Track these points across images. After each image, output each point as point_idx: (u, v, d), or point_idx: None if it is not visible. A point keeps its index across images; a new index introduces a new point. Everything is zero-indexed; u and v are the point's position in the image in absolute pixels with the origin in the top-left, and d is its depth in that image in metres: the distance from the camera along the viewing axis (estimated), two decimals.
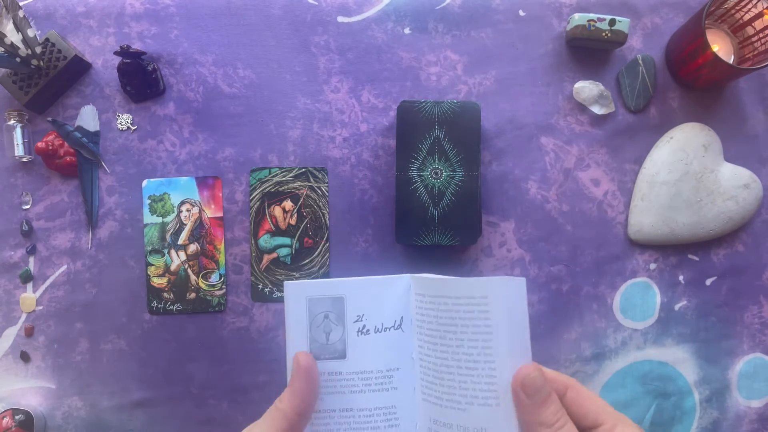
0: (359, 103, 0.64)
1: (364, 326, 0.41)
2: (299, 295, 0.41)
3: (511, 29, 0.65)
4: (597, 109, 0.64)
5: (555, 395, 0.36)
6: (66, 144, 0.62)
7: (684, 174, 0.63)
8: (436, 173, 0.58)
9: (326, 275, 0.64)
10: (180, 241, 0.64)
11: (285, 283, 0.42)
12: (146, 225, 0.64)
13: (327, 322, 0.41)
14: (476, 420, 0.37)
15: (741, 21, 0.62)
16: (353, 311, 0.41)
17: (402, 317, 0.41)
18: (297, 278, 0.64)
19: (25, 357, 0.63)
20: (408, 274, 0.42)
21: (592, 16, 0.61)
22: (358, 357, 0.41)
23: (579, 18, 0.61)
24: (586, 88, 0.64)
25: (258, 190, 0.64)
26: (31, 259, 0.63)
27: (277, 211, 0.64)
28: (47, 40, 0.62)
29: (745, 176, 0.63)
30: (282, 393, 0.39)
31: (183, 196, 0.64)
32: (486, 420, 0.37)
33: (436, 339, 0.39)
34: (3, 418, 0.59)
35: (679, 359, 0.65)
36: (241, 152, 0.64)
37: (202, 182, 0.64)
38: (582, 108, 0.65)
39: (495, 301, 0.36)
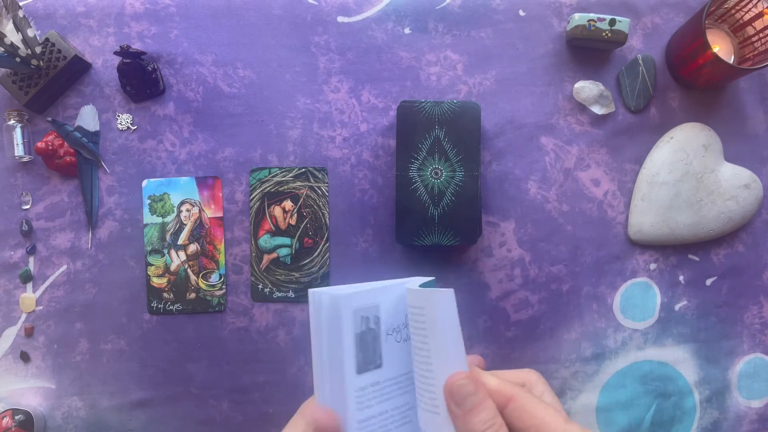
0: (359, 103, 0.64)
1: (393, 331, 0.41)
2: (345, 307, 0.39)
3: (511, 29, 0.65)
4: (597, 109, 0.64)
5: (489, 403, 0.35)
6: (66, 144, 0.62)
7: (684, 174, 0.62)
8: (436, 173, 0.58)
9: (326, 275, 0.64)
10: (180, 241, 0.63)
11: (325, 295, 0.39)
12: (146, 225, 0.63)
13: (368, 333, 0.40)
14: (426, 426, 0.38)
15: (741, 21, 0.62)
16: (386, 318, 0.40)
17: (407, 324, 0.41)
18: (297, 278, 0.64)
19: (25, 357, 0.63)
20: (422, 277, 0.41)
21: (592, 16, 0.61)
22: (392, 364, 0.40)
23: (579, 18, 0.61)
24: (586, 88, 0.64)
25: (258, 190, 0.64)
26: (31, 259, 0.63)
27: (277, 211, 0.64)
28: (47, 40, 0.61)
29: (746, 176, 0.63)
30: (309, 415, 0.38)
31: (183, 196, 0.64)
32: (431, 426, 0.38)
33: (413, 344, 0.39)
34: (3, 418, 0.59)
35: (680, 359, 0.65)
36: (241, 152, 0.64)
37: (202, 182, 0.64)
38: (582, 108, 0.65)
39: (429, 312, 0.37)
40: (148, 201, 0.64)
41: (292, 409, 0.66)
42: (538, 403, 0.35)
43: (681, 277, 0.65)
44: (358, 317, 0.39)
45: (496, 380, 0.36)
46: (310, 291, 0.39)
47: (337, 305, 0.38)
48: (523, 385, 0.38)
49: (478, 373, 0.36)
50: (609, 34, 0.61)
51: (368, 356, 0.40)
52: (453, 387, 0.35)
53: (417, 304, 0.38)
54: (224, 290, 0.64)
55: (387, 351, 0.40)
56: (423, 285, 0.40)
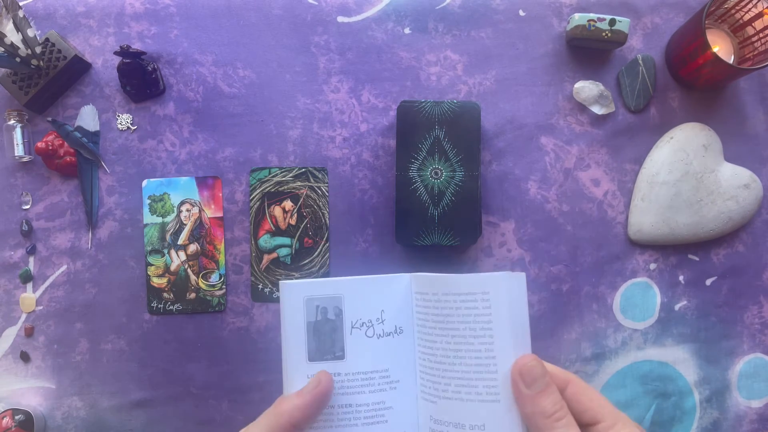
0: (359, 103, 0.64)
1: (362, 326, 0.41)
2: (297, 295, 0.40)
3: (511, 29, 0.65)
4: (597, 109, 0.64)
5: (555, 386, 0.36)
6: (66, 144, 0.62)
7: (684, 174, 0.63)
8: (436, 173, 0.58)
9: (326, 275, 0.64)
10: (180, 241, 0.63)
11: (281, 283, 0.41)
12: (146, 225, 0.63)
13: (325, 323, 0.40)
14: (477, 415, 0.37)
15: (741, 21, 0.62)
16: (351, 311, 0.41)
17: (400, 317, 0.41)
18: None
19: (25, 357, 0.63)
20: (407, 273, 0.41)
21: (592, 16, 0.61)
22: (357, 358, 0.40)
23: (579, 18, 0.61)
24: (586, 88, 0.64)
25: (258, 190, 0.64)
26: (31, 259, 0.63)
27: (277, 211, 0.64)
28: (47, 40, 0.61)
29: (746, 176, 0.63)
30: (282, 398, 0.39)
31: (183, 196, 0.64)
32: (486, 415, 0.37)
33: (436, 336, 0.39)
34: (3, 418, 0.59)
35: (680, 359, 0.65)
36: (241, 152, 0.64)
37: (202, 182, 0.64)
38: (582, 108, 0.65)
39: (496, 296, 0.37)
40: (148, 201, 0.64)
41: None
42: (593, 389, 0.37)
43: (681, 277, 0.65)
44: (312, 306, 0.40)
45: (552, 365, 0.38)
46: (281, 282, 0.41)
47: (287, 292, 0.40)
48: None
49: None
50: (609, 34, 0.61)
51: (324, 346, 0.40)
52: (524, 368, 0.36)
53: (476, 289, 0.37)
54: (224, 290, 0.64)
55: (352, 344, 0.40)
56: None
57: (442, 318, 0.39)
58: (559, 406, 0.35)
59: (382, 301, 0.41)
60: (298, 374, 0.40)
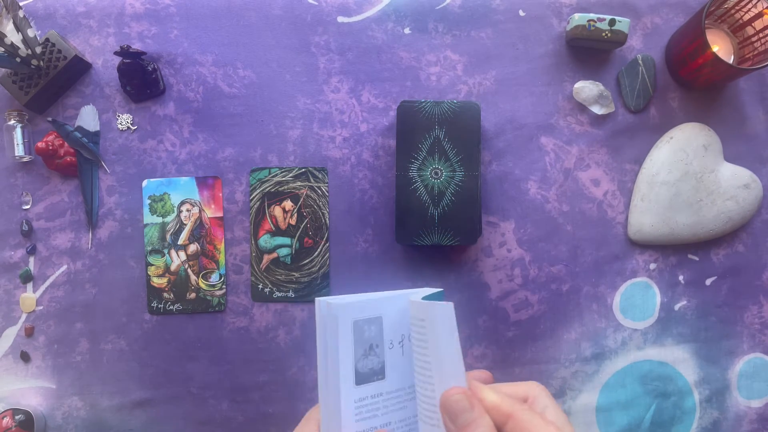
0: (359, 103, 0.64)
1: (399, 342, 0.40)
2: (347, 318, 0.38)
3: (511, 29, 0.65)
4: (597, 109, 0.64)
5: (485, 420, 0.33)
6: (66, 144, 0.62)
7: (684, 174, 0.63)
8: (436, 173, 0.58)
9: (326, 275, 0.64)
10: (180, 241, 0.64)
11: (324, 302, 0.37)
12: (146, 225, 0.64)
13: (372, 345, 0.39)
14: None
15: (741, 21, 0.62)
16: (389, 329, 0.40)
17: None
18: (297, 278, 0.64)
19: (25, 357, 0.63)
20: (423, 290, 0.40)
21: (592, 16, 0.61)
22: (395, 375, 0.40)
23: (579, 18, 0.61)
24: (586, 88, 0.64)
25: (258, 190, 0.64)
26: (31, 259, 0.63)
27: (277, 211, 0.64)
28: (47, 40, 0.62)
29: (745, 176, 0.63)
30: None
31: (183, 196, 0.64)
32: None
33: (415, 355, 0.39)
34: (3, 418, 0.59)
35: (679, 359, 0.65)
36: (241, 152, 0.64)
37: (202, 182, 0.64)
38: (582, 108, 0.65)
39: (429, 324, 0.37)
40: (149, 201, 0.64)
41: (292, 409, 0.67)
42: (539, 421, 0.34)
43: (681, 277, 0.65)
44: (359, 328, 0.38)
45: (495, 396, 0.35)
46: (317, 299, 0.38)
47: (335, 315, 0.38)
48: (525, 400, 0.37)
49: (476, 388, 0.35)
50: (609, 34, 0.61)
51: (370, 368, 0.39)
52: (447, 402, 0.34)
53: (418, 315, 0.37)
54: (224, 290, 0.64)
55: (391, 362, 0.40)
56: (429, 296, 0.39)
57: (414, 337, 0.39)
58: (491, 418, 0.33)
59: (405, 316, 0.40)
60: (347, 401, 0.38)
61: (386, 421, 0.40)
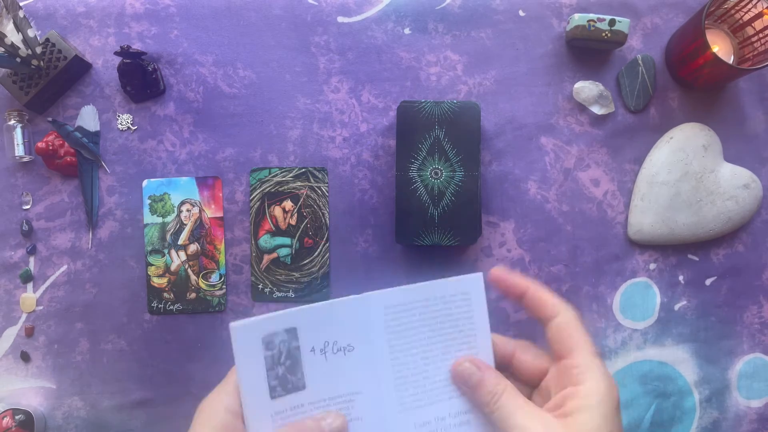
0: (359, 103, 0.64)
1: (321, 351, 0.40)
2: (253, 336, 0.39)
3: (511, 29, 0.65)
4: (597, 110, 0.64)
5: (489, 374, 0.40)
6: (66, 144, 0.62)
7: (684, 174, 0.63)
8: (436, 173, 0.58)
9: (326, 275, 0.64)
10: (180, 241, 0.64)
11: (232, 325, 0.38)
12: (146, 225, 0.64)
13: (284, 358, 0.39)
14: (463, 407, 0.41)
15: (741, 21, 0.62)
16: (308, 339, 0.40)
17: (360, 338, 0.40)
18: (297, 278, 0.64)
19: (25, 357, 0.63)
20: (363, 294, 0.41)
21: (592, 16, 0.61)
22: (318, 385, 0.40)
23: (579, 18, 0.61)
24: (586, 88, 0.64)
25: (258, 190, 0.64)
26: (32, 259, 0.63)
27: (277, 211, 0.64)
28: (47, 40, 0.62)
29: (745, 176, 0.63)
30: None
31: (183, 196, 0.64)
32: (471, 405, 0.41)
33: (416, 343, 0.41)
34: (3, 418, 0.59)
35: (679, 359, 0.65)
36: (241, 152, 0.64)
37: (202, 182, 0.64)
38: (582, 108, 0.65)
39: (476, 296, 0.42)
40: (149, 201, 0.64)
41: None
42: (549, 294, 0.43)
43: (681, 277, 0.65)
44: (269, 342, 0.39)
45: (511, 275, 0.43)
46: (232, 325, 0.39)
47: (242, 335, 0.39)
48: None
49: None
50: (609, 35, 0.61)
51: (284, 380, 0.39)
52: (455, 371, 0.41)
53: (458, 291, 0.41)
54: (224, 290, 0.64)
55: (312, 372, 0.40)
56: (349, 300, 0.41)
57: (424, 324, 0.41)
58: (495, 390, 0.39)
59: (338, 326, 0.40)
60: (262, 416, 0.39)
61: None
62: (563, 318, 0.41)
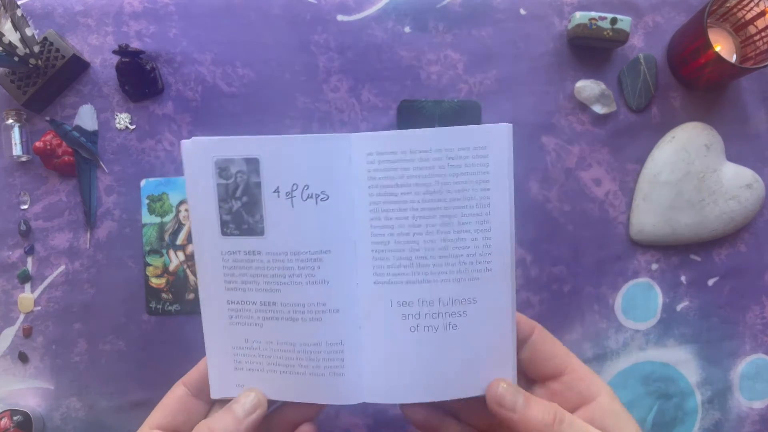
0: (359, 102, 0.64)
1: (287, 195, 0.33)
2: (204, 155, 0.33)
3: (512, 28, 0.65)
4: (598, 109, 0.64)
5: (535, 403, 0.34)
6: (64, 143, 0.62)
7: (686, 174, 0.62)
8: None
9: None
10: (179, 242, 0.63)
11: (182, 142, 0.33)
12: (144, 225, 0.63)
13: (239, 189, 0.33)
14: (466, 290, 0.34)
15: (743, 20, 0.62)
16: (271, 177, 0.33)
17: (337, 187, 0.33)
18: None
19: (23, 357, 0.63)
20: (350, 134, 0.34)
21: (593, 14, 0.61)
22: (280, 235, 0.33)
23: (580, 17, 0.61)
24: (587, 88, 0.63)
25: None
26: (29, 260, 0.63)
27: None
28: (45, 39, 0.61)
29: (748, 176, 0.63)
30: (214, 421, 0.36)
31: (182, 196, 0.63)
32: (478, 288, 0.34)
33: (405, 205, 0.33)
34: (1, 419, 0.59)
35: (681, 360, 0.65)
36: None
37: None
38: (583, 107, 0.64)
39: (497, 153, 0.32)
40: (147, 201, 0.63)
41: None
42: (555, 339, 0.39)
43: (683, 278, 0.65)
44: (223, 169, 0.33)
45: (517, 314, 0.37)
46: (182, 141, 0.34)
47: (193, 151, 0.33)
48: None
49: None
50: (610, 33, 0.61)
51: (239, 217, 0.33)
52: (498, 397, 0.34)
53: (475, 143, 0.32)
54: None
55: (274, 217, 0.33)
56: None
57: (417, 180, 0.33)
58: (552, 408, 0.33)
59: (311, 167, 0.33)
60: (211, 250, 0.34)
61: (267, 299, 0.35)
62: (539, 334, 0.38)
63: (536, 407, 0.33)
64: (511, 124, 0.33)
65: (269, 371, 0.36)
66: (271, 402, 0.38)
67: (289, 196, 0.33)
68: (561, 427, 0.32)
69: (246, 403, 0.36)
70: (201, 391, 0.40)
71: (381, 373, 0.35)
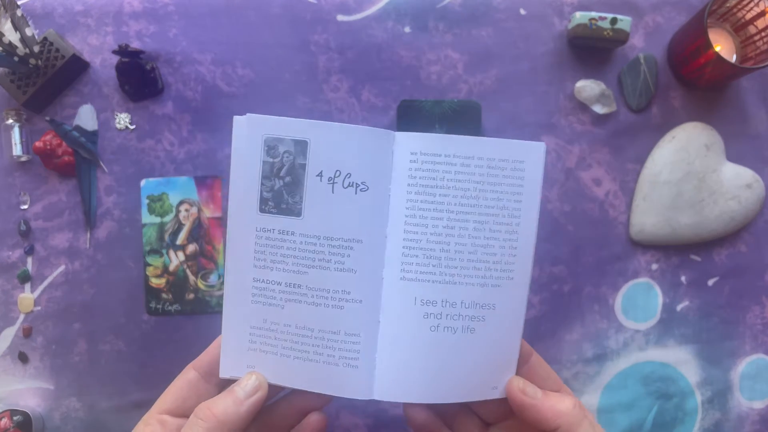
0: (359, 102, 0.64)
1: (329, 180, 0.34)
2: (255, 132, 0.34)
3: (512, 28, 0.64)
4: (599, 109, 0.64)
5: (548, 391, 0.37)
6: (64, 143, 0.62)
7: (686, 174, 0.62)
8: None
9: None
10: (178, 242, 0.63)
11: (235, 117, 0.34)
12: (144, 225, 0.63)
13: (284, 172, 0.34)
14: (486, 296, 0.35)
15: (743, 20, 0.62)
16: (317, 161, 0.34)
17: (378, 179, 0.35)
18: None
19: (23, 357, 0.63)
20: (396, 132, 0.36)
21: (593, 14, 0.61)
22: (316, 218, 0.34)
23: (580, 16, 0.61)
24: (587, 87, 0.63)
25: None
26: (29, 260, 0.63)
27: None
28: (45, 39, 0.61)
29: (748, 176, 0.63)
30: (215, 403, 0.36)
31: (181, 196, 0.63)
32: (498, 295, 0.36)
33: (442, 206, 0.35)
34: (1, 419, 0.59)
35: (681, 360, 0.65)
36: None
37: (201, 182, 0.63)
38: (583, 107, 0.64)
39: (532, 168, 0.34)
40: (147, 201, 0.63)
41: None
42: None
43: (683, 278, 0.65)
44: (272, 147, 0.34)
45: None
46: (235, 117, 0.35)
47: (244, 126, 0.34)
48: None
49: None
50: (610, 33, 0.61)
51: (280, 196, 0.34)
52: (520, 385, 0.36)
53: (514, 156, 0.34)
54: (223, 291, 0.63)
55: (313, 200, 0.34)
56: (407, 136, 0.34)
57: (455, 184, 0.34)
58: (571, 397, 0.36)
59: (355, 157, 0.34)
60: (246, 225, 0.35)
61: (293, 281, 0.35)
62: (537, 358, 0.40)
63: (554, 396, 0.36)
64: (544, 144, 0.35)
65: (282, 355, 0.36)
66: (279, 388, 0.38)
67: (331, 181, 0.34)
68: (583, 411, 0.34)
69: (247, 385, 0.37)
70: (211, 375, 0.40)
71: (393, 370, 0.36)
